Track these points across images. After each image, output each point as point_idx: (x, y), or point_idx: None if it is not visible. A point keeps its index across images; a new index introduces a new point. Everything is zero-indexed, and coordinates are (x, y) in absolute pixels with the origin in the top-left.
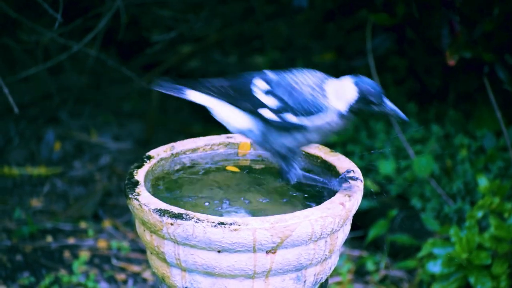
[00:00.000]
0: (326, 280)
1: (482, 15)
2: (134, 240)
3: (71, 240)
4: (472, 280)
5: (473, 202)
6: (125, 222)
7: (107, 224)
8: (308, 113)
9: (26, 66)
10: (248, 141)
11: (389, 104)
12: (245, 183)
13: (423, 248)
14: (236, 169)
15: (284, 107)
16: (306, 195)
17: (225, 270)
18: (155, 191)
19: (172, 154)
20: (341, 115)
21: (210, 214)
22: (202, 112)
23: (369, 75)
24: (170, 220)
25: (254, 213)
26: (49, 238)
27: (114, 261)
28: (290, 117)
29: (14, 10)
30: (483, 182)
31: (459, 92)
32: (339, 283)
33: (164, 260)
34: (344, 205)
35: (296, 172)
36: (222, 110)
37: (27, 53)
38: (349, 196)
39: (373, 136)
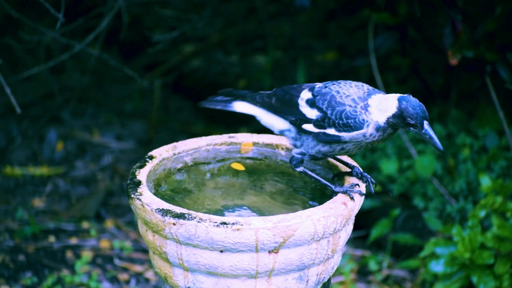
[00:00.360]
0: (329, 279)
1: (485, 14)
2: (137, 240)
3: (74, 240)
4: (474, 279)
5: (475, 202)
6: (127, 222)
7: (109, 224)
8: (345, 125)
9: (28, 66)
10: (250, 141)
11: (428, 130)
12: (248, 183)
13: (426, 248)
14: (241, 167)
15: (324, 118)
16: (308, 195)
17: (228, 270)
18: (157, 191)
19: (174, 153)
20: (378, 128)
21: (213, 214)
22: (204, 112)
23: (371, 74)
24: (172, 220)
25: (256, 212)
26: (52, 238)
27: (117, 261)
28: (329, 130)
29: (16, 10)
30: (485, 181)
31: (462, 92)
32: (341, 282)
33: (167, 260)
34: (347, 204)
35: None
36: (266, 118)
37: (29, 53)
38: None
39: None
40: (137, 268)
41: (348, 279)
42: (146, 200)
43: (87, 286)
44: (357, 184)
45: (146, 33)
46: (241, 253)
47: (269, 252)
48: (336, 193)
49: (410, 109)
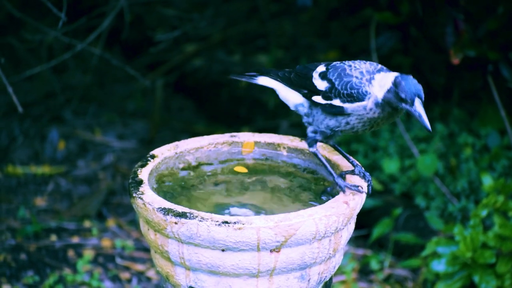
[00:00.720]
0: (330, 278)
1: (487, 13)
2: (138, 239)
3: (75, 239)
4: (476, 279)
5: (477, 201)
6: (129, 221)
7: (111, 223)
8: (349, 96)
9: (30, 65)
10: (251, 140)
11: (418, 108)
12: (250, 182)
13: (427, 247)
14: (244, 170)
15: (331, 88)
16: (310, 194)
17: (229, 269)
18: (159, 190)
19: (176, 152)
20: (376, 103)
21: (214, 213)
22: (206, 111)
23: None
24: (174, 219)
25: (258, 212)
26: (53, 237)
27: (118, 260)
28: (336, 102)
29: (18, 10)
30: (487, 180)
31: (464, 91)
32: (343, 281)
33: (168, 259)
34: (348, 204)
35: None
36: (284, 92)
37: (31, 52)
38: (353, 195)
39: (377, 135)
40: (139, 267)
41: (349, 278)
42: (148, 199)
43: (89, 285)
44: (359, 186)
45: (148, 33)
46: (243, 252)
47: (271, 251)
48: (336, 184)
49: (403, 83)
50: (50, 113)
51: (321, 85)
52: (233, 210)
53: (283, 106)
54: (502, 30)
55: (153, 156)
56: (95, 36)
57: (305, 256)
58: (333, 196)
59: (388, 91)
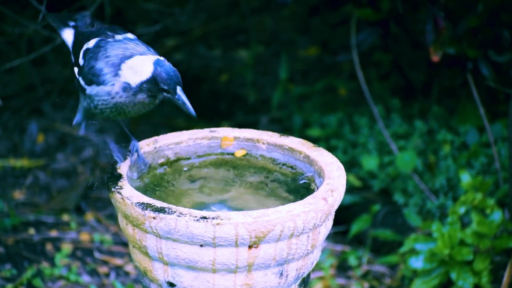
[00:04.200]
0: (308, 275)
1: (467, 11)
2: (117, 233)
3: (54, 233)
4: (454, 275)
5: (455, 198)
6: (107, 215)
7: (89, 217)
8: (90, 82)
9: (9, 58)
10: (231, 135)
11: (181, 96)
12: (229, 177)
13: (406, 244)
14: (243, 152)
15: (80, 70)
16: (288, 190)
17: (207, 264)
18: (139, 185)
19: (155, 147)
20: (126, 88)
21: (193, 208)
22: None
23: (354, 70)
24: (152, 214)
25: (236, 207)
26: (32, 231)
27: (97, 254)
28: (81, 80)
29: None
30: (465, 178)
31: (443, 88)
32: (321, 278)
33: (147, 254)
34: (327, 200)
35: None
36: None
37: (11, 45)
38: (332, 191)
39: (356, 131)
40: (117, 261)
41: (327, 275)
42: (127, 194)
43: (67, 279)
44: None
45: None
46: (221, 248)
47: (249, 247)
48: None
49: (164, 74)
50: (29, 106)
51: (80, 61)
52: (212, 205)
53: (263, 101)
54: (482, 28)
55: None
56: None
57: (283, 252)
58: (311, 192)
59: (148, 81)
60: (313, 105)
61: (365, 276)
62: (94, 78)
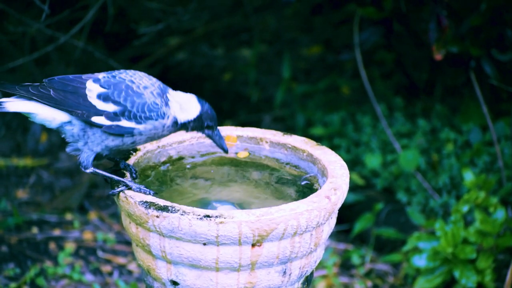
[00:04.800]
0: (311, 273)
1: (470, 10)
2: (120, 232)
3: (57, 232)
4: (457, 274)
5: (458, 196)
6: (111, 214)
7: (93, 215)
8: (147, 118)
9: (13, 57)
10: (234, 134)
11: (220, 132)
12: (232, 176)
13: (409, 242)
14: (246, 154)
15: (123, 111)
16: (292, 188)
17: (211, 262)
18: (141, 183)
19: (159, 146)
20: (174, 123)
21: (196, 207)
22: None
23: (356, 69)
24: (155, 213)
25: (239, 206)
26: (35, 230)
27: (100, 253)
28: (125, 123)
29: (1, 1)
30: (469, 176)
31: (446, 87)
32: (324, 276)
33: (150, 252)
34: (330, 198)
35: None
36: (45, 113)
37: (14, 44)
38: (335, 190)
39: (359, 130)
40: (120, 260)
41: (331, 273)
42: (130, 193)
43: (70, 278)
44: (125, 183)
45: (132, 25)
46: (224, 246)
47: (252, 245)
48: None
49: (210, 112)
50: None
51: (106, 107)
52: (215, 204)
53: (266, 100)
54: (485, 26)
55: (135, 150)
56: (78, 29)
57: (286, 250)
58: (314, 191)
59: (195, 120)
60: (316, 104)
61: (368, 274)
62: (151, 114)
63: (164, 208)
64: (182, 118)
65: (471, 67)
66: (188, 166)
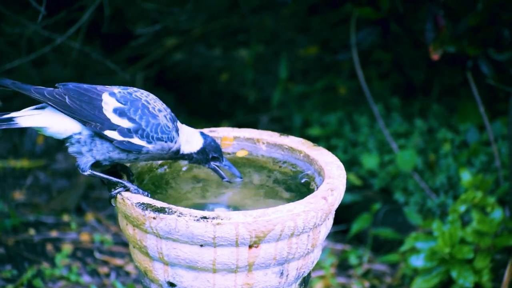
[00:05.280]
0: (309, 274)
1: (467, 9)
2: (117, 234)
3: (54, 233)
4: (454, 274)
5: (456, 196)
6: (108, 215)
7: (90, 217)
8: (158, 139)
9: (9, 58)
10: (231, 135)
11: (228, 161)
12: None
13: (406, 242)
14: (245, 153)
15: (136, 129)
16: (288, 189)
17: (208, 264)
18: (139, 185)
19: None
20: (176, 151)
21: (193, 208)
22: (186, 105)
23: (353, 69)
24: (152, 214)
25: (236, 207)
26: (32, 231)
27: (97, 254)
28: (136, 140)
29: None
30: (466, 176)
31: (443, 86)
32: (322, 277)
33: (147, 254)
34: (327, 199)
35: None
36: (59, 123)
37: (11, 45)
38: (332, 190)
39: (356, 130)
40: (118, 261)
41: (328, 274)
42: (127, 194)
43: (67, 279)
44: (123, 184)
45: (129, 26)
46: (221, 248)
47: (249, 246)
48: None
49: (213, 144)
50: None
51: (121, 122)
52: (212, 205)
53: (263, 100)
54: (482, 26)
55: None
56: (75, 30)
57: (283, 251)
58: (311, 191)
59: (198, 152)
60: (313, 104)
61: (365, 275)
62: (163, 135)
63: (161, 210)
64: (186, 149)
65: (468, 67)
66: (184, 168)
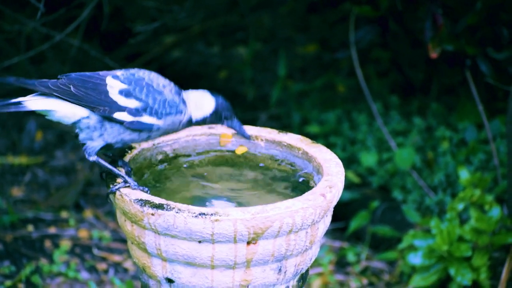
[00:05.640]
0: (307, 271)
1: (466, 8)
2: (115, 230)
3: (52, 230)
4: (452, 272)
5: (454, 194)
6: (106, 211)
7: (88, 213)
8: (167, 114)
9: (8, 55)
10: (229, 132)
11: (238, 121)
12: (227, 174)
13: (404, 240)
14: (244, 149)
15: (145, 108)
16: (287, 186)
17: (206, 260)
18: (137, 181)
19: (154, 144)
20: (189, 121)
21: (191, 205)
22: None
23: (352, 67)
24: (151, 211)
25: (235, 203)
26: (30, 228)
27: (95, 251)
28: (146, 119)
29: None
30: (464, 174)
31: (442, 85)
32: (320, 274)
33: (145, 250)
34: (325, 196)
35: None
36: (65, 109)
37: (10, 42)
38: (330, 187)
39: (355, 128)
40: (116, 258)
41: (326, 271)
42: (125, 190)
43: (66, 276)
44: (124, 179)
45: (127, 24)
46: (220, 244)
47: (248, 243)
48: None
49: (225, 104)
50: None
51: (128, 103)
52: (210, 202)
53: (262, 98)
54: (481, 25)
55: (130, 147)
56: (74, 27)
57: (281, 248)
58: (309, 188)
59: (211, 114)
60: (312, 102)
61: (364, 272)
62: (171, 110)
63: (159, 206)
64: (199, 115)
65: (467, 66)
66: (183, 164)
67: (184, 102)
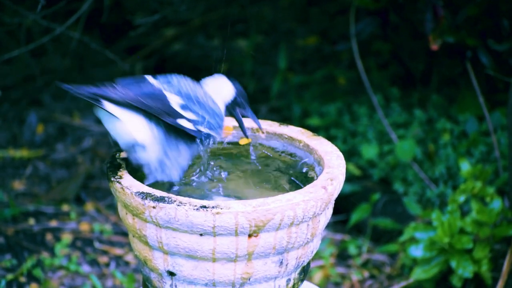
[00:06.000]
0: (308, 263)
1: (466, 0)
2: (117, 223)
3: (54, 223)
4: (453, 264)
5: (455, 187)
6: (107, 205)
7: (89, 207)
8: (219, 127)
9: (8, 48)
10: (230, 124)
11: (251, 110)
12: (228, 166)
13: (405, 232)
14: (248, 140)
15: (202, 122)
16: (288, 179)
17: (207, 253)
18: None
19: None
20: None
21: (193, 197)
22: None
23: (352, 59)
24: (152, 203)
25: (236, 196)
26: (31, 221)
27: (97, 244)
28: (203, 129)
29: None
30: (465, 166)
31: (442, 77)
32: (321, 266)
33: (146, 243)
34: (326, 188)
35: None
36: (133, 123)
37: (10, 35)
38: (332, 180)
39: (356, 120)
40: (117, 251)
41: (327, 263)
42: (126, 183)
43: (67, 269)
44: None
45: (128, 16)
46: (221, 237)
47: (249, 236)
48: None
49: (243, 90)
50: (28, 96)
51: (186, 115)
52: (211, 194)
53: (262, 91)
54: (481, 16)
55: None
56: (74, 20)
57: (282, 241)
58: (311, 181)
59: (232, 102)
60: (312, 95)
61: (365, 265)
62: (222, 123)
63: (161, 199)
64: (222, 107)
65: (468, 57)
66: None
67: (216, 103)
